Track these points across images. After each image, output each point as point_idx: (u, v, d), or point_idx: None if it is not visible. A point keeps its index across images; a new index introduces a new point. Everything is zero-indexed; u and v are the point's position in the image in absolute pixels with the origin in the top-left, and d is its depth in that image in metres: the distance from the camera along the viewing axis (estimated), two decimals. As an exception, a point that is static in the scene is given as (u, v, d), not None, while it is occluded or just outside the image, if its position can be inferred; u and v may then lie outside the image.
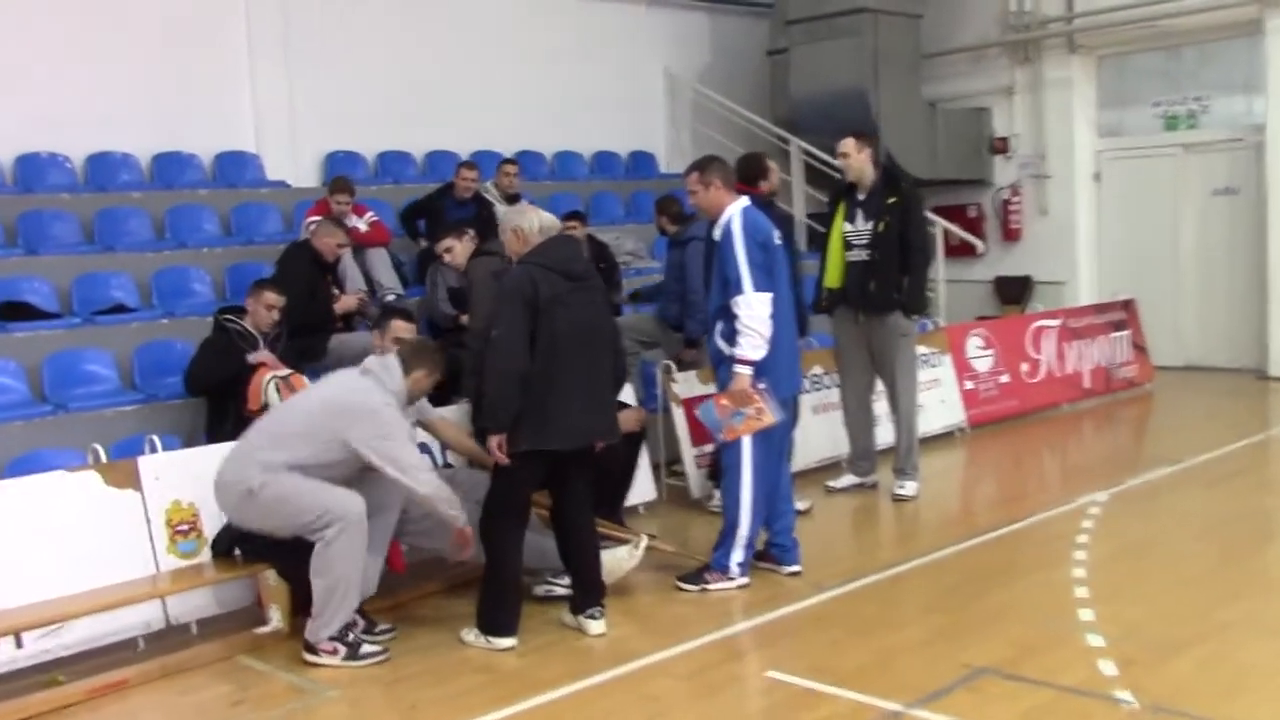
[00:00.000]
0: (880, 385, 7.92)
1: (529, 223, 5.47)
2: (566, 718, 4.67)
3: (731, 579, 5.98)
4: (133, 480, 5.71)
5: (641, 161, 13.33)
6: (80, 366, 7.53)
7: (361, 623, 5.56)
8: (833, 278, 7.74)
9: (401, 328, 6.28)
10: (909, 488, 7.77)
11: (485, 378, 5.23)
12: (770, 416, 5.81)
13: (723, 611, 5.75)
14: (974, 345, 10.18)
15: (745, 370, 5.79)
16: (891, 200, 7.52)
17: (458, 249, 7.18)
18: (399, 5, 11.51)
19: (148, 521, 5.70)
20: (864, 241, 7.56)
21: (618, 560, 5.92)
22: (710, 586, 5.98)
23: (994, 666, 4.86)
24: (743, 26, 14.17)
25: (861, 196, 7.62)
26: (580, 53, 12.70)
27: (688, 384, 7.95)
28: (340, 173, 10.65)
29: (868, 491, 7.96)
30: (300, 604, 5.50)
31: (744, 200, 5.98)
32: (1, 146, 9.28)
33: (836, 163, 7.99)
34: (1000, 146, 13.44)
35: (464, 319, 7.70)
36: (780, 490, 6.20)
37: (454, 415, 6.58)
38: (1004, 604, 5.63)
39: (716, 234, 5.94)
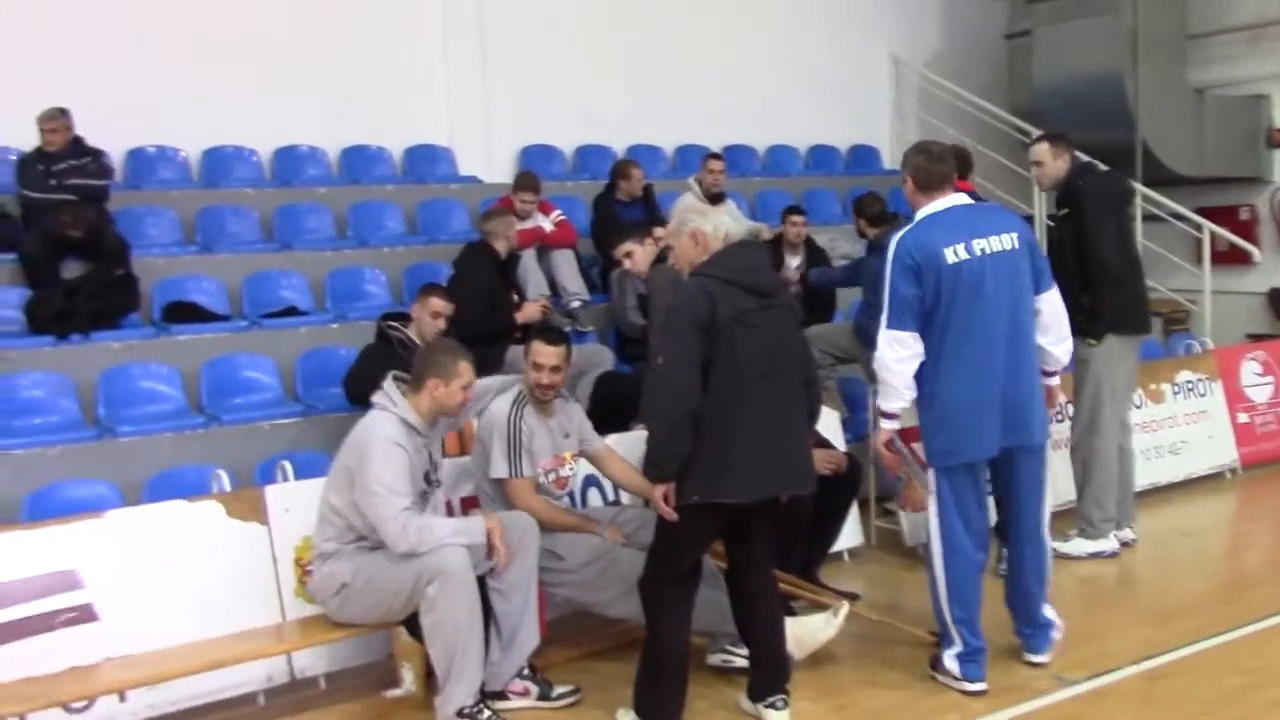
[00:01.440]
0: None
1: (712, 226, 4.48)
2: None
3: (954, 677, 4.85)
4: (259, 512, 5.07)
5: (863, 156, 12.21)
6: (240, 374, 7.03)
7: (535, 689, 4.84)
8: None
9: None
10: (1074, 545, 6.50)
11: (647, 415, 4.30)
12: (919, 489, 4.66)
13: (940, 707, 4.68)
14: (1250, 371, 8.68)
15: (885, 424, 4.82)
16: (1064, 211, 6.39)
17: (639, 254, 6.32)
18: (599, -9, 10.77)
19: (274, 560, 5.05)
20: None
21: (811, 631, 4.94)
22: (939, 679, 4.91)
23: (1303, 823, 3.66)
24: (977, 6, 12.83)
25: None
26: (796, 37, 11.65)
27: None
28: (535, 168, 10.04)
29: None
30: (436, 666, 4.75)
31: (940, 203, 4.78)
32: (189, 141, 8.94)
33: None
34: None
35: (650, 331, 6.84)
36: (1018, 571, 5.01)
37: (627, 443, 5.72)
38: (1307, 725, 4.37)
39: None
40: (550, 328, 5.63)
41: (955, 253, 4.66)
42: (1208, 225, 10.51)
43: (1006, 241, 4.74)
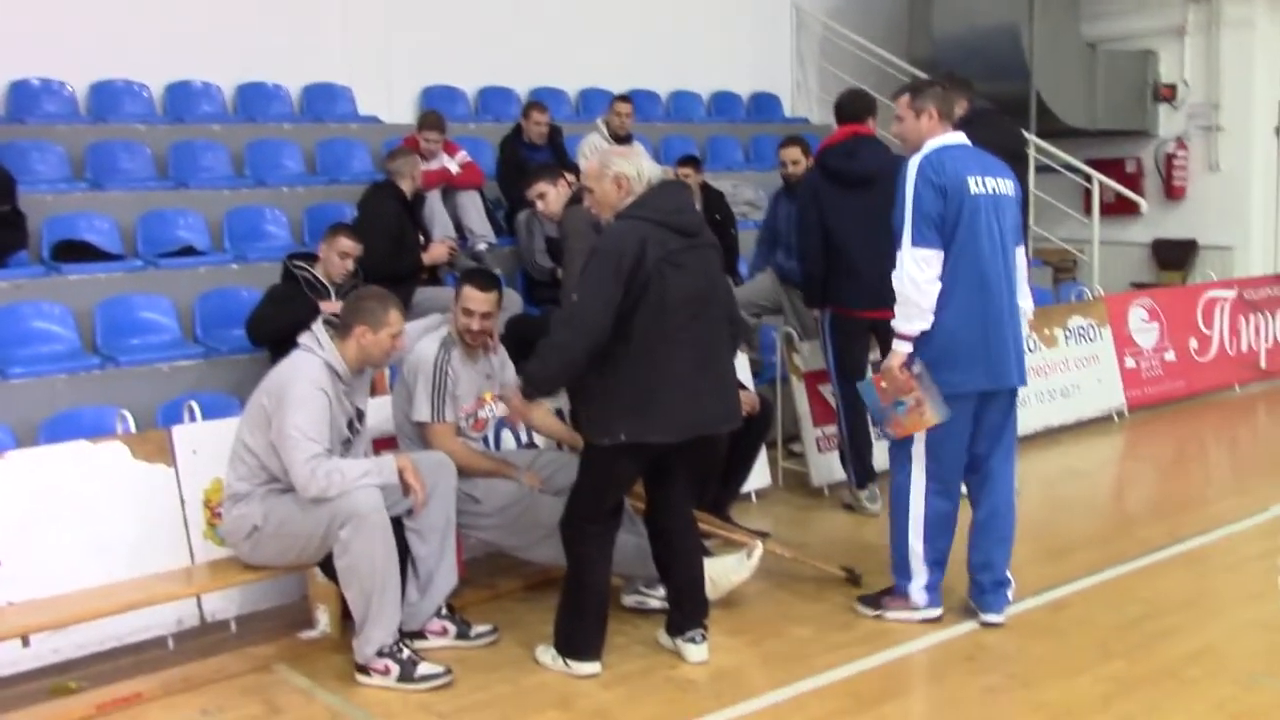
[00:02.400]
0: None
1: (635, 169, 4.43)
2: (656, 778, 3.77)
3: (915, 608, 4.91)
4: (166, 454, 4.93)
5: (764, 103, 12.25)
6: (137, 314, 6.81)
7: (453, 628, 4.82)
8: None
9: (345, 245, 6.08)
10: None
11: (548, 341, 4.30)
12: (932, 414, 4.69)
13: (854, 639, 4.78)
14: (1137, 318, 8.97)
15: (901, 347, 4.68)
16: None
17: (551, 195, 6.26)
18: (505, -72, 10.57)
19: (182, 502, 4.92)
20: None
21: (726, 570, 4.99)
22: (888, 615, 4.94)
23: (1200, 742, 3.84)
24: (880, -43, 12.95)
25: None
26: (700, -17, 11.65)
27: (813, 355, 6.94)
28: (437, 109, 9.87)
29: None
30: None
31: (951, 136, 4.83)
32: (75, 73, 8.59)
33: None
34: (1167, 94, 12.00)
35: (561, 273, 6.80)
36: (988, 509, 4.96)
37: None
38: (1201, 650, 4.56)
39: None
40: (482, 272, 5.54)
41: (977, 184, 4.70)
42: (1097, 176, 10.79)
43: (1007, 187, 4.81)
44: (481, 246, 8.03)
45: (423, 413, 4.92)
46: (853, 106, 6.40)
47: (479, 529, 5.06)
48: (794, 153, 7.27)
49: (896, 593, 4.95)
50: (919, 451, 4.80)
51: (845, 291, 6.14)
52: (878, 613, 4.96)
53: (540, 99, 9.93)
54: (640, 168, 4.46)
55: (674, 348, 4.25)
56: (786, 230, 7.20)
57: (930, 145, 4.76)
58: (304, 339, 4.63)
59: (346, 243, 6.28)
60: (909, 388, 4.68)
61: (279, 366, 4.63)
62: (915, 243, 4.61)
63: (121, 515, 4.78)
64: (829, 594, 5.27)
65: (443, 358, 4.96)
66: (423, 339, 5.06)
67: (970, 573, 4.93)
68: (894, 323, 4.71)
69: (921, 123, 4.80)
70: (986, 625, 4.84)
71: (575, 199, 6.23)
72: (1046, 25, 11.15)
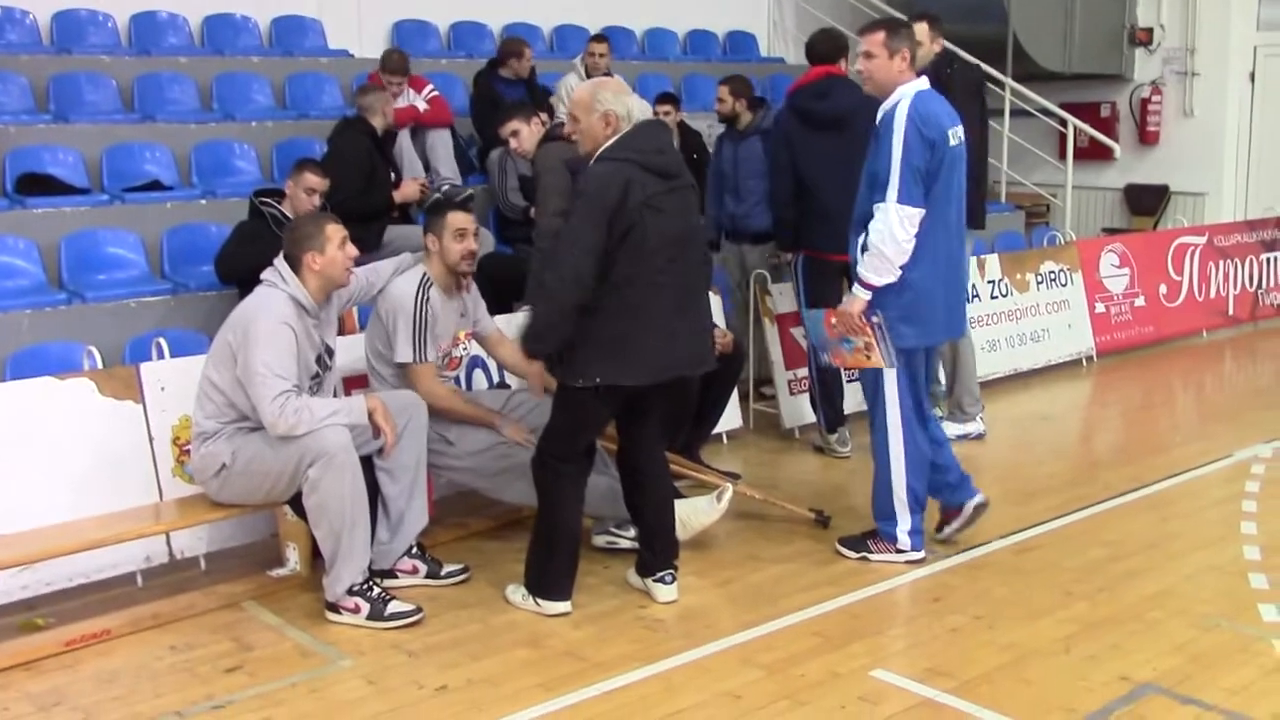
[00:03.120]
0: None
1: (625, 108, 4.34)
2: (627, 717, 3.79)
3: (901, 550, 4.95)
4: (134, 390, 4.89)
5: (740, 42, 12.14)
6: (103, 249, 6.73)
7: (423, 567, 4.83)
8: None
9: (311, 181, 5.98)
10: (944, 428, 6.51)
11: (538, 295, 4.26)
12: (879, 359, 4.74)
13: (820, 580, 4.82)
14: (1108, 263, 9.00)
15: (862, 294, 4.70)
16: None
17: (525, 133, 6.17)
18: None
19: (150, 439, 4.89)
20: None
21: (696, 512, 5.01)
22: (872, 557, 4.98)
23: (1159, 682, 3.89)
24: (858, -107, 12.78)
25: None
26: (677, -82, 11.49)
27: (785, 297, 6.94)
28: (408, 44, 9.75)
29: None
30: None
31: (922, 82, 4.77)
32: (39, 2, 8.41)
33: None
34: (1143, 38, 11.96)
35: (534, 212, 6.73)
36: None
37: (513, 325, 5.67)
38: (1162, 593, 4.62)
39: (879, 118, 4.79)
40: (451, 200, 5.47)
41: (954, 135, 4.71)
42: (1072, 121, 10.77)
43: (962, 134, 4.81)
44: (445, 188, 7.95)
45: (405, 353, 4.88)
46: (824, 46, 6.34)
47: (451, 470, 5.06)
48: (721, 90, 7.16)
49: (882, 536, 4.99)
50: (893, 396, 4.84)
51: (818, 234, 6.10)
52: (861, 554, 5.00)
53: (515, 34, 9.83)
54: (630, 106, 4.39)
55: (653, 291, 4.22)
56: (732, 174, 7.08)
57: (908, 91, 4.70)
58: (267, 274, 4.58)
59: (312, 178, 6.19)
60: (863, 333, 4.72)
61: (244, 303, 4.59)
62: (902, 200, 4.57)
63: (89, 452, 4.75)
64: (798, 536, 5.31)
65: (421, 296, 4.91)
66: (398, 279, 5.00)
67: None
68: (860, 271, 4.71)
69: (894, 64, 4.72)
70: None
71: (549, 137, 6.17)
72: (1025, -34, 11.09)
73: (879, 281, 4.66)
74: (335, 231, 4.55)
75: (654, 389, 4.36)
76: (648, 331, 4.23)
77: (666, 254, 4.26)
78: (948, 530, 5.14)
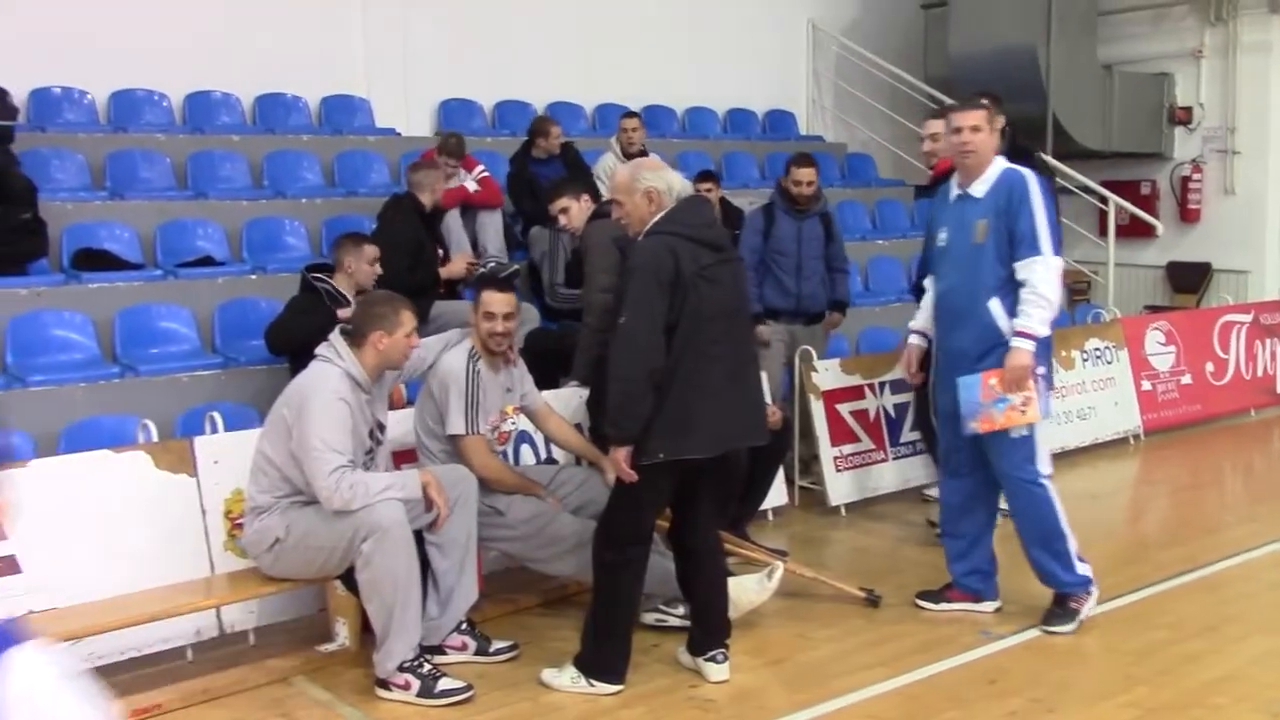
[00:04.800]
0: None
1: (666, 183, 4.42)
2: (679, 799, 3.74)
3: (1090, 594, 5.06)
4: (188, 464, 4.93)
5: (779, 120, 12.27)
6: (156, 324, 6.81)
7: (473, 643, 4.80)
8: None
9: (371, 252, 6.09)
10: None
11: (610, 375, 4.24)
12: (1035, 413, 4.82)
13: (873, 661, 4.76)
14: (1154, 340, 8.95)
15: (1027, 345, 4.78)
16: None
17: (574, 210, 6.24)
18: (524, -57, 10.61)
19: (203, 512, 4.92)
20: None
21: (746, 590, 4.97)
22: (1083, 614, 5.03)
23: (1227, 771, 3.81)
24: (896, -25, 12.99)
25: None
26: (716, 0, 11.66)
27: (830, 373, 6.94)
28: (454, 122, 9.93)
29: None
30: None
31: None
32: (95, 82, 8.62)
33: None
34: (1183, 117, 12.00)
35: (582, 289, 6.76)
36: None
37: (559, 399, 5.69)
38: (1226, 678, 4.52)
39: (980, 190, 4.91)
40: (494, 277, 5.52)
41: None
42: (1113, 198, 10.78)
43: None
44: (491, 265, 8.03)
45: (457, 425, 4.89)
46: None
47: (501, 541, 5.05)
48: (812, 173, 7.15)
49: (1073, 592, 5.03)
50: (1045, 449, 5.00)
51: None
52: (1075, 624, 4.98)
53: (556, 114, 10.00)
54: (670, 181, 4.45)
55: (708, 362, 4.23)
56: (795, 253, 7.07)
57: (1002, 161, 4.93)
58: (322, 349, 4.62)
59: (372, 250, 6.27)
60: (1027, 385, 4.78)
61: (299, 377, 4.63)
62: (1056, 251, 4.86)
63: (143, 525, 4.77)
64: (848, 615, 5.26)
65: (472, 368, 4.94)
66: (446, 353, 5.04)
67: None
68: (1027, 325, 4.79)
69: (994, 138, 4.94)
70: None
71: (598, 214, 6.23)
72: (1063, 47, 11.19)
73: (1045, 332, 4.82)
74: (409, 320, 4.61)
75: (708, 464, 4.35)
76: (706, 403, 4.23)
77: (720, 325, 4.28)
78: (943, 606, 5.21)
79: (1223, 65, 11.77)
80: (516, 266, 7.92)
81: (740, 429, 4.40)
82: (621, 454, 4.21)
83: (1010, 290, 4.84)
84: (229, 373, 6.60)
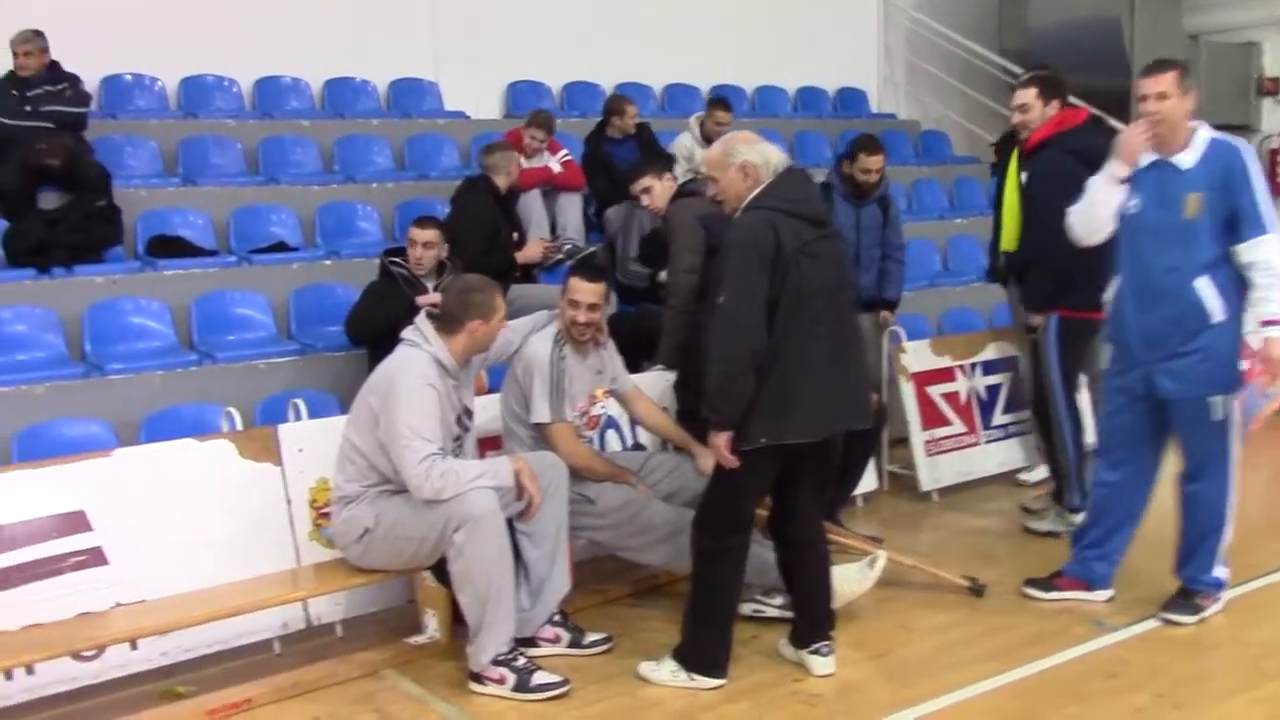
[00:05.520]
0: None
1: (763, 157, 4.20)
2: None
3: (1218, 599, 4.85)
4: (272, 452, 4.82)
5: (850, 98, 12.01)
6: (232, 310, 6.73)
7: (565, 635, 4.65)
8: (1011, 240, 6.17)
9: (412, 234, 5.96)
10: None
11: (709, 357, 4.04)
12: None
13: (982, 654, 4.55)
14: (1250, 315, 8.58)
15: (1275, 332, 4.45)
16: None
17: (657, 190, 6.06)
18: (592, -77, 10.42)
19: (288, 502, 4.81)
20: None
21: (847, 580, 4.77)
22: (1208, 611, 4.81)
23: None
24: (970, -52, 12.65)
25: None
26: (786, -24, 11.44)
27: (920, 355, 6.72)
28: (522, 104, 9.80)
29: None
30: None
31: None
32: (165, 68, 8.56)
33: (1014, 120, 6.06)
34: (1271, 88, 11.56)
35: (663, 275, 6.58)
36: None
37: (646, 386, 5.52)
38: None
39: (1187, 160, 4.53)
40: (588, 264, 5.38)
41: None
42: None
43: None
44: (567, 247, 7.89)
45: (542, 413, 4.74)
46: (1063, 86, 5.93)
47: (591, 530, 4.89)
48: (883, 161, 6.71)
49: (1205, 589, 4.82)
50: (1238, 445, 4.71)
51: (1085, 290, 5.34)
52: (1198, 617, 4.78)
53: (625, 94, 9.81)
54: (766, 154, 4.25)
55: (810, 341, 4.03)
56: (854, 241, 6.65)
57: (1207, 130, 4.59)
58: (408, 334, 4.48)
59: (415, 231, 6.16)
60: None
61: (385, 363, 4.49)
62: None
63: (227, 514, 4.68)
64: (951, 605, 5.05)
65: (557, 354, 4.79)
66: (532, 337, 4.89)
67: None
68: (1274, 311, 4.44)
69: (1186, 104, 4.57)
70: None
71: (682, 193, 6.05)
72: (1148, 17, 10.84)
73: None
74: (502, 304, 4.51)
75: (809, 448, 4.15)
76: (808, 384, 4.03)
77: (822, 303, 4.08)
78: (1053, 595, 5.01)
79: (1313, 33, 11.35)
80: (594, 249, 7.78)
81: (842, 412, 4.21)
82: (722, 439, 4.02)
83: (1220, 269, 4.48)
84: (306, 359, 6.50)
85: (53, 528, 4.32)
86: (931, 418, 6.66)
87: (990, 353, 7.00)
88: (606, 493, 4.85)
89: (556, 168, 7.93)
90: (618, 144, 8.47)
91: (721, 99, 8.91)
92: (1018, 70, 11.18)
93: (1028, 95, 5.73)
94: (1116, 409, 4.84)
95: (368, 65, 9.39)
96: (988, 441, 6.85)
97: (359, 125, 8.90)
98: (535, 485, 4.36)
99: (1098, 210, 4.72)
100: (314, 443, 4.88)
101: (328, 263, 7.26)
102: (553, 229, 7.84)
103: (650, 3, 10.65)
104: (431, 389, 4.28)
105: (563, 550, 4.66)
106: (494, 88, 10.08)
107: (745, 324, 3.95)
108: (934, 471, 6.64)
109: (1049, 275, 5.61)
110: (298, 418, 5.11)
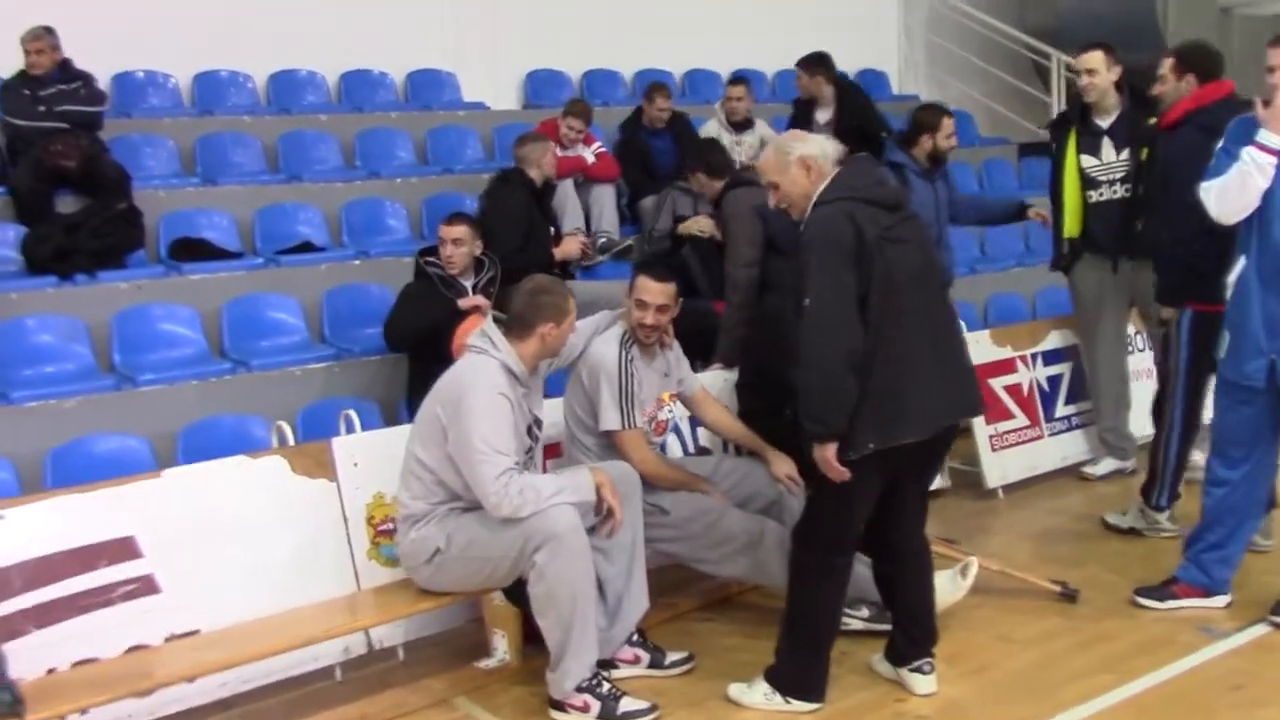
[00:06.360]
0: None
1: (819, 149, 3.95)
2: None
3: None
4: (326, 467, 4.53)
5: (872, 80, 11.65)
6: (263, 315, 6.45)
7: (645, 656, 4.39)
8: (1073, 225, 6.17)
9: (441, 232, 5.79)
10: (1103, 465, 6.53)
11: (802, 364, 3.75)
12: None
13: (1091, 666, 4.29)
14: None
15: None
16: (1152, 121, 5.81)
17: (704, 178, 5.82)
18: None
19: (345, 520, 4.53)
20: (1119, 175, 6.08)
21: (939, 592, 4.49)
22: None
23: None
24: (993, -76, 12.37)
25: (1104, 123, 6.12)
26: (805, -43, 11.13)
27: (980, 346, 6.44)
28: (541, 93, 9.56)
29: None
30: (532, 633, 4.29)
31: None
32: (176, 65, 8.26)
33: (1080, 82, 6.22)
34: (1303, 61, 11.32)
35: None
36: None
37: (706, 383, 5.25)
38: None
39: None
40: (658, 263, 5.12)
41: None
42: (1237, 149, 10.13)
43: None
44: (602, 240, 7.64)
45: (611, 420, 4.47)
46: (1214, 62, 5.71)
47: (665, 542, 4.62)
48: (951, 124, 6.49)
49: None
50: None
51: (1215, 281, 4.77)
52: None
53: (643, 82, 9.52)
54: (822, 146, 3.99)
55: (908, 333, 3.76)
56: (934, 220, 6.28)
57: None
58: (475, 339, 4.20)
59: (444, 229, 5.91)
60: None
61: (452, 372, 4.20)
62: None
63: (282, 535, 4.39)
64: (1046, 613, 4.78)
65: (625, 357, 4.51)
66: (596, 340, 4.61)
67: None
68: None
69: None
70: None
71: (736, 182, 5.78)
72: (1180, -10, 10.58)
73: None
74: (574, 306, 4.23)
75: (915, 449, 3.87)
76: (913, 378, 3.76)
77: (912, 290, 3.81)
78: (1170, 604, 4.75)
79: (1348, 5, 11.10)
80: (629, 242, 7.52)
81: (950, 403, 3.94)
82: (830, 451, 3.73)
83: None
84: (343, 364, 6.22)
85: (101, 555, 4.03)
86: (994, 411, 6.39)
87: (1050, 342, 6.74)
88: (681, 502, 4.58)
89: (590, 158, 7.67)
90: (653, 134, 8.21)
91: (738, 78, 8.68)
92: (1044, 48, 10.97)
93: (1165, 65, 5.54)
94: (1233, 403, 4.55)
95: (384, 57, 9.10)
96: (1052, 434, 6.60)
97: (378, 119, 8.62)
98: (617, 499, 4.09)
99: (1253, 184, 4.34)
100: (369, 456, 4.59)
101: (357, 263, 6.98)
102: (586, 220, 7.57)
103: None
104: (504, 399, 4.00)
105: (640, 565, 4.39)
106: (512, 78, 9.80)
107: (838, 324, 3.68)
108: (1000, 467, 6.37)
109: (1182, 265, 5.20)
110: (349, 429, 4.81)
